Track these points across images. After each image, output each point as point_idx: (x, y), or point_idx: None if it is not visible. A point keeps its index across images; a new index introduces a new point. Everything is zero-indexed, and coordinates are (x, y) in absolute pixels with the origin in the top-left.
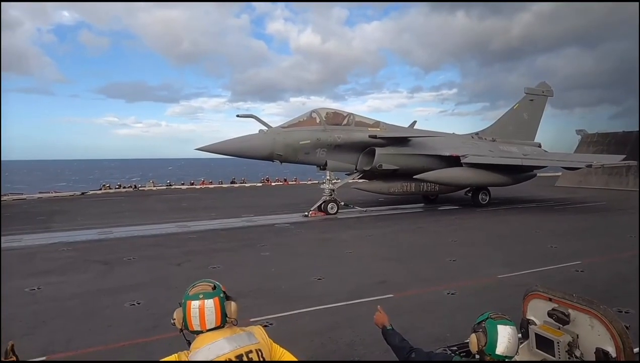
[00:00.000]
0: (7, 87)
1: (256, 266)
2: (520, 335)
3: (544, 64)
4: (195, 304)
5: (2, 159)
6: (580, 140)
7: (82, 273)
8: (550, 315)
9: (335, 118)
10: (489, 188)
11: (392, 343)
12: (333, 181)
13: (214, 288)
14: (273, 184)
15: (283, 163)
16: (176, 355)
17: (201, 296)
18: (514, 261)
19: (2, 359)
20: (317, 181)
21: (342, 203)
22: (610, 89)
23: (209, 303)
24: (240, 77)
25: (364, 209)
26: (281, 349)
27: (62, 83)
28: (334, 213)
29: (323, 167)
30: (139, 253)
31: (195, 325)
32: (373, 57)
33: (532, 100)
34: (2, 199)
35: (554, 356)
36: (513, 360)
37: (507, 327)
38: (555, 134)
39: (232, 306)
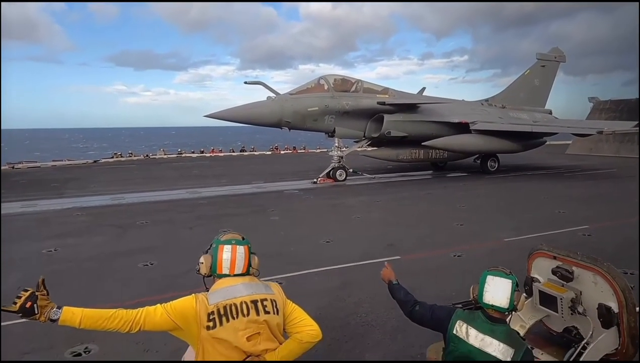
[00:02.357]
0: (18, 56)
1: (266, 230)
2: (524, 292)
3: (557, 30)
4: (227, 248)
5: (13, 128)
6: (593, 107)
7: (96, 236)
8: (554, 272)
9: (344, 85)
10: (497, 155)
11: (397, 297)
12: (342, 149)
13: (243, 238)
14: (282, 152)
15: (292, 130)
16: (193, 295)
17: (233, 242)
18: (521, 225)
19: (36, 292)
20: (326, 150)
21: (351, 170)
22: (625, 55)
23: (241, 249)
24: (249, 44)
25: (373, 176)
26: (293, 305)
27: (71, 51)
28: (343, 180)
29: (331, 134)
30: (152, 217)
31: (225, 268)
32: (384, 23)
33: (543, 66)
34: (17, 166)
35: (557, 312)
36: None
37: (498, 277)
38: (567, 102)
39: (255, 259)
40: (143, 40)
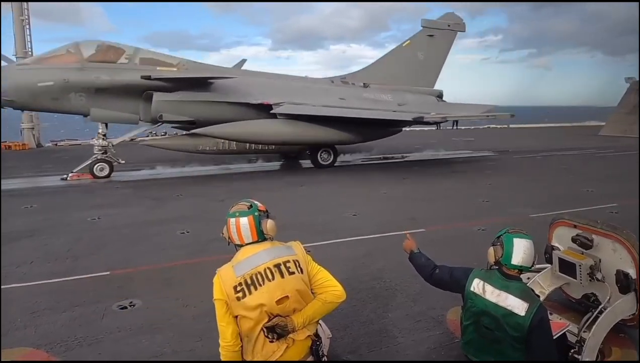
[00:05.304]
0: (59, 38)
1: (294, 203)
2: (545, 259)
3: (596, 7)
4: (232, 221)
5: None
6: (629, 88)
7: (135, 206)
8: (574, 240)
9: (109, 54)
10: (336, 145)
11: (418, 263)
12: (106, 138)
13: (250, 207)
14: None
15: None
16: (217, 274)
17: (237, 214)
18: (547, 202)
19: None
20: None
21: (123, 161)
22: None
23: (244, 221)
24: (281, 25)
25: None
26: (317, 266)
27: (111, 33)
28: (105, 176)
29: (87, 117)
30: (186, 191)
31: (235, 238)
32: (417, 3)
33: (431, 35)
34: (59, 144)
35: (576, 279)
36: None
37: (523, 239)
38: (605, 83)
39: (268, 223)
40: (178, 21)
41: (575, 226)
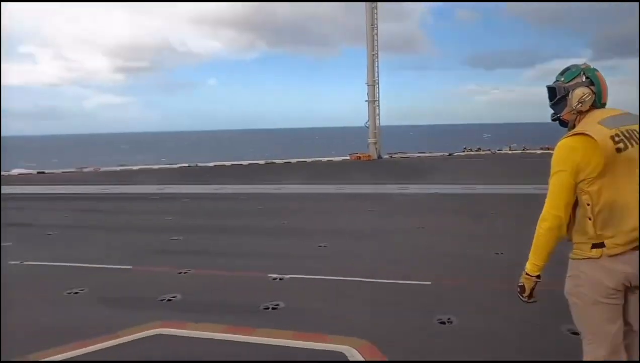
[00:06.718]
0: (401, 65)
1: None
2: None
3: None
4: (599, 75)
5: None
6: None
7: (454, 218)
8: None
9: None
10: None
11: None
12: None
13: None
14: None
15: None
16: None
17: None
18: None
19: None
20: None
21: None
22: None
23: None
24: (606, 32)
25: None
26: None
27: (437, 57)
28: None
29: None
30: (501, 210)
31: (607, 95)
32: None
33: None
34: (393, 156)
35: None
36: None
37: None
38: None
39: None
40: (496, 41)
41: None
